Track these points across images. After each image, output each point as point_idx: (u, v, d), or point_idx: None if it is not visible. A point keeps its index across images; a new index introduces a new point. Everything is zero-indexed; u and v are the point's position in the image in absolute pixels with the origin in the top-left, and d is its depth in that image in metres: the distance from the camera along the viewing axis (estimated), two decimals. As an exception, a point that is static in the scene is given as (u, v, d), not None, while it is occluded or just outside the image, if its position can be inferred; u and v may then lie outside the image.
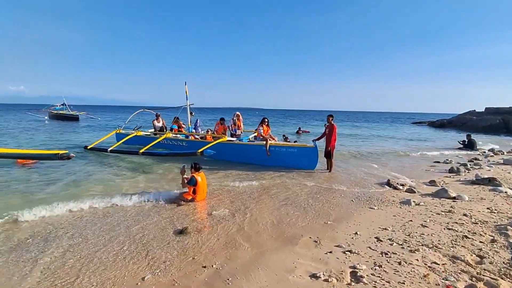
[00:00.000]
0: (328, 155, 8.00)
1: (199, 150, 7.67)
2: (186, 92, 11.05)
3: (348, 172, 8.10)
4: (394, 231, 3.95)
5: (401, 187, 6.40)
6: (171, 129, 11.31)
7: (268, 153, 8.45)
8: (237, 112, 9.86)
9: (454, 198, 5.58)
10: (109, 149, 9.43)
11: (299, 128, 22.50)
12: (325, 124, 8.19)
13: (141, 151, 8.80)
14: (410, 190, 6.17)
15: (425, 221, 4.30)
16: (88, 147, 10.33)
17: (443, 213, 4.68)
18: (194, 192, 5.48)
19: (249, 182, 6.76)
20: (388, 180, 6.76)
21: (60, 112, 34.56)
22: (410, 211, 4.81)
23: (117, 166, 8.33)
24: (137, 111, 13.36)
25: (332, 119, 8.01)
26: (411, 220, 4.34)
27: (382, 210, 4.92)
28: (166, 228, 4.11)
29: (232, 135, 9.75)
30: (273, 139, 8.97)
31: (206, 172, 7.79)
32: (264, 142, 8.52)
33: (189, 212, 4.80)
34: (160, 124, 12.11)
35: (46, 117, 32.66)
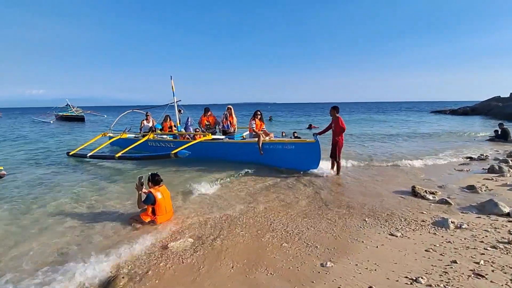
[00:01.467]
0: (334, 154, 6.53)
1: (173, 152, 6.55)
2: (172, 87, 9.76)
3: (359, 174, 6.57)
4: (430, 285, 2.47)
5: (430, 197, 4.85)
6: (155, 130, 10.10)
7: (261, 152, 7.06)
8: (229, 106, 8.46)
9: (508, 214, 4.01)
10: (88, 155, 8.55)
11: (310, 125, 20.81)
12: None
13: (117, 155, 7.68)
14: (444, 201, 4.61)
15: (478, 263, 2.78)
16: (70, 154, 9.38)
17: (501, 245, 3.14)
18: (154, 212, 4.18)
19: (229, 191, 5.40)
20: (413, 187, 5.20)
21: (65, 114, 34.43)
22: (450, 241, 3.29)
23: (91, 174, 7.22)
24: (126, 112, 12.25)
25: (336, 112, 6.51)
26: (455, 262, 2.83)
27: (409, 238, 3.43)
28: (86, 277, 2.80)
29: (224, 132, 8.40)
30: (268, 135, 7.56)
31: (186, 174, 6.77)
32: (256, 139, 7.13)
33: (136, 243, 3.48)
34: (150, 124, 10.97)
35: (51, 121, 32.48)
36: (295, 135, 12.71)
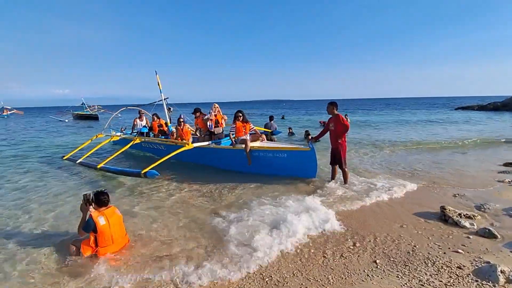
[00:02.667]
0: (335, 160, 5.37)
1: (143, 171, 5.50)
2: (158, 83, 8.83)
3: (369, 184, 5.33)
4: None
5: (467, 223, 3.62)
6: (143, 133, 9.30)
7: (249, 161, 6.03)
8: (215, 104, 7.41)
9: None
10: (77, 161, 7.92)
11: (321, 122, 19.58)
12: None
13: (99, 165, 6.89)
14: (487, 232, 3.37)
15: None
16: (65, 157, 8.80)
17: None
18: (97, 242, 3.25)
19: (199, 213, 4.37)
20: (443, 208, 3.96)
21: (81, 113, 34.86)
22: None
23: (74, 181, 6.50)
24: (119, 110, 11.57)
25: (335, 109, 5.33)
26: None
27: (440, 302, 2.28)
28: None
29: (209, 134, 7.40)
30: (258, 138, 6.51)
31: (166, 183, 5.86)
32: (243, 146, 6.07)
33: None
34: (143, 123, 10.21)
35: (66, 119, 32.88)
36: (308, 133, 11.76)
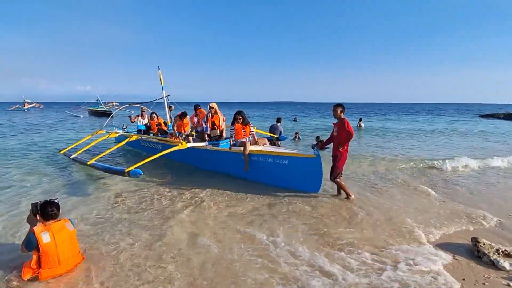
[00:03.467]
0: (335, 172, 4.64)
1: (127, 170, 5.01)
2: (160, 79, 8.34)
3: (380, 207, 4.46)
4: None
5: (506, 264, 2.80)
6: (141, 131, 8.85)
7: (246, 166, 5.39)
8: (212, 104, 6.75)
9: None
10: (71, 156, 7.49)
11: (359, 121, 18.69)
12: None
13: (89, 162, 6.39)
14: (537, 280, 2.56)
15: None
16: (61, 152, 8.47)
17: None
18: (40, 262, 2.68)
19: (180, 231, 3.71)
20: (475, 240, 3.14)
21: (95, 109, 35.33)
22: None
23: (56, 178, 6.11)
24: (122, 107, 11.28)
25: (341, 112, 4.59)
26: None
27: None
28: None
29: (203, 136, 6.79)
30: (257, 142, 5.85)
31: (150, 185, 5.14)
32: (242, 149, 5.42)
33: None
34: (145, 121, 9.81)
35: (81, 115, 33.34)
36: (319, 139, 10.69)
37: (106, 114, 33.61)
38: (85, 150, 7.93)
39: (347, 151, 4.59)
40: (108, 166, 5.86)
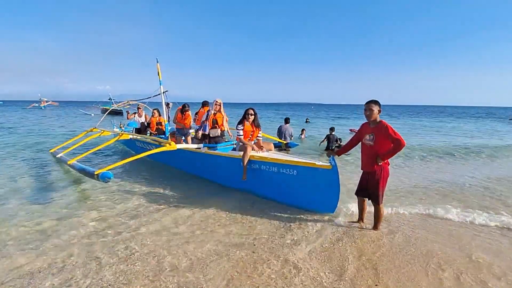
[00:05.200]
0: (366, 191, 3.42)
1: (97, 172, 4.32)
2: (158, 73, 7.49)
3: (426, 235, 3.37)
4: None
5: None
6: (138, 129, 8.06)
7: (244, 175, 4.35)
8: (217, 100, 5.74)
9: None
10: (57, 155, 6.99)
11: (353, 130, 16.80)
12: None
13: (69, 161, 5.68)
14: None
15: None
16: (51, 150, 8.00)
17: None
18: None
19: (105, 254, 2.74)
20: None
21: (107, 107, 35.42)
22: None
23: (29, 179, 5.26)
24: (120, 103, 10.59)
25: (378, 111, 3.28)
26: None
27: None
28: None
29: (203, 136, 5.80)
30: (261, 148, 4.77)
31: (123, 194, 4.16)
32: (241, 154, 4.40)
33: None
34: (142, 119, 9.05)
35: (92, 113, 33.43)
36: (339, 143, 9.23)
37: (117, 112, 33.60)
38: (73, 149, 7.39)
39: (388, 164, 3.30)
40: (83, 167, 5.10)
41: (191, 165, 5.88)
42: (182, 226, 3.51)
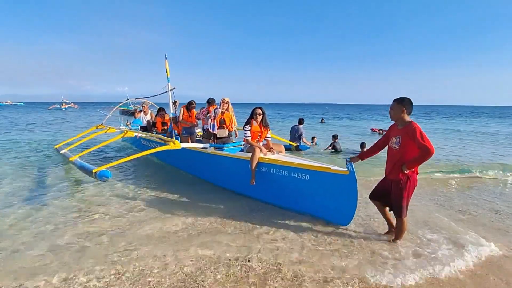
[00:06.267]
0: (385, 199, 3.02)
1: (95, 170, 4.31)
2: (166, 70, 7.33)
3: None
4: None
5: None
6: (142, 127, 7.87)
7: (252, 180, 3.97)
8: (225, 98, 5.38)
9: None
10: (61, 151, 7.03)
11: (376, 130, 15.65)
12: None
13: (71, 158, 5.71)
14: None
15: None
16: (56, 146, 8.05)
17: None
18: None
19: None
20: None
21: (124, 108, 36.11)
22: None
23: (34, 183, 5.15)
24: (125, 101, 10.71)
25: (406, 112, 2.79)
26: None
27: None
28: None
29: (208, 136, 5.48)
30: (271, 149, 4.36)
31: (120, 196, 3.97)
32: (250, 155, 4.03)
33: None
34: (148, 117, 8.93)
35: (108, 114, 34.10)
36: (364, 147, 8.13)
37: (132, 113, 34.16)
38: (78, 145, 7.49)
39: (417, 172, 2.85)
40: (83, 164, 5.08)
41: (196, 167, 5.58)
42: (182, 232, 3.19)
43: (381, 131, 14.60)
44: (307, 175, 3.49)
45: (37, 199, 4.33)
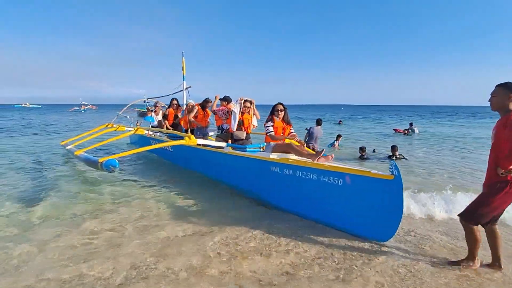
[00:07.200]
0: (493, 215, 2.26)
1: (100, 160, 4.15)
2: (183, 68, 7.08)
3: None
4: None
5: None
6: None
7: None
8: (248, 99, 4.96)
9: None
10: (67, 147, 7.05)
11: (400, 131, 14.77)
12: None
13: (76, 152, 5.77)
14: None
15: None
16: (62, 143, 8.00)
17: None
18: None
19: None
20: None
21: (142, 110, 36.66)
22: None
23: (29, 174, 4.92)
24: (138, 100, 10.62)
25: (508, 97, 2.16)
26: None
27: None
28: None
29: (226, 135, 5.07)
30: (295, 149, 3.83)
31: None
32: (272, 156, 3.63)
33: None
34: (159, 117, 8.59)
35: (128, 116, 34.65)
36: (394, 149, 7.48)
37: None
38: (85, 142, 7.51)
39: None
40: (88, 156, 4.99)
41: (211, 167, 5.10)
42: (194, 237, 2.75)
43: (405, 131, 13.97)
44: (340, 179, 2.95)
45: (37, 197, 4.22)
